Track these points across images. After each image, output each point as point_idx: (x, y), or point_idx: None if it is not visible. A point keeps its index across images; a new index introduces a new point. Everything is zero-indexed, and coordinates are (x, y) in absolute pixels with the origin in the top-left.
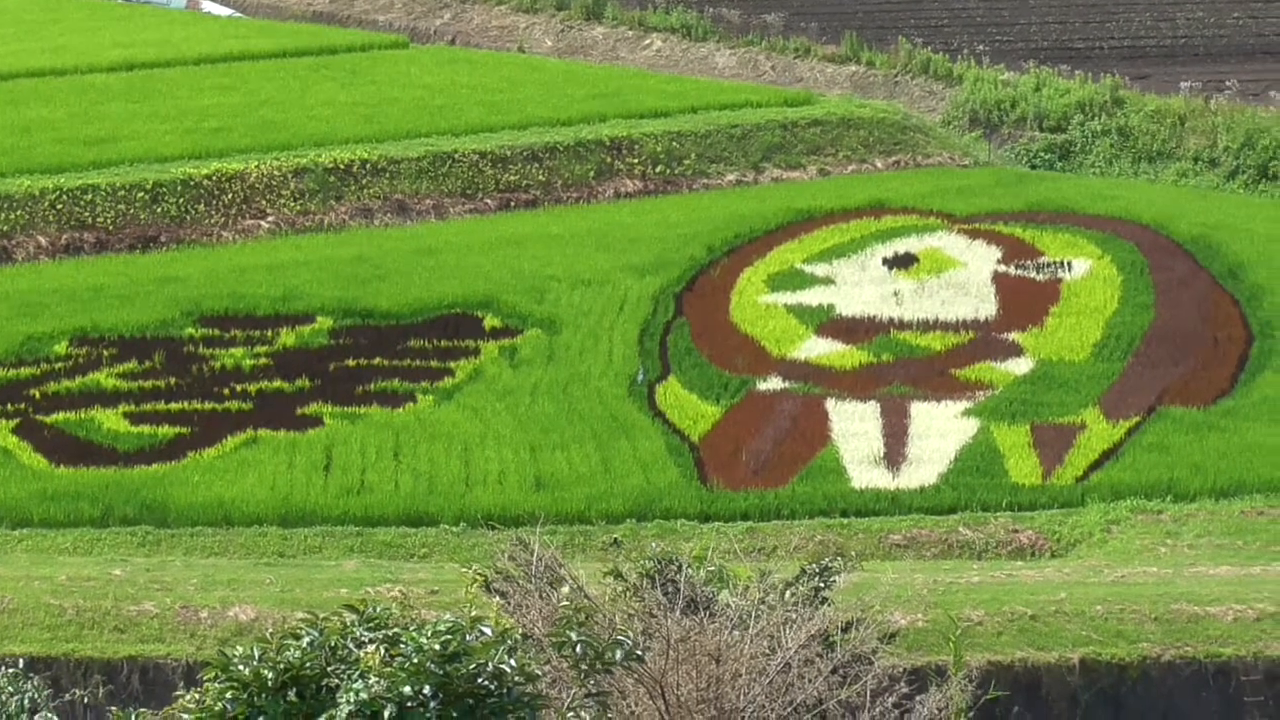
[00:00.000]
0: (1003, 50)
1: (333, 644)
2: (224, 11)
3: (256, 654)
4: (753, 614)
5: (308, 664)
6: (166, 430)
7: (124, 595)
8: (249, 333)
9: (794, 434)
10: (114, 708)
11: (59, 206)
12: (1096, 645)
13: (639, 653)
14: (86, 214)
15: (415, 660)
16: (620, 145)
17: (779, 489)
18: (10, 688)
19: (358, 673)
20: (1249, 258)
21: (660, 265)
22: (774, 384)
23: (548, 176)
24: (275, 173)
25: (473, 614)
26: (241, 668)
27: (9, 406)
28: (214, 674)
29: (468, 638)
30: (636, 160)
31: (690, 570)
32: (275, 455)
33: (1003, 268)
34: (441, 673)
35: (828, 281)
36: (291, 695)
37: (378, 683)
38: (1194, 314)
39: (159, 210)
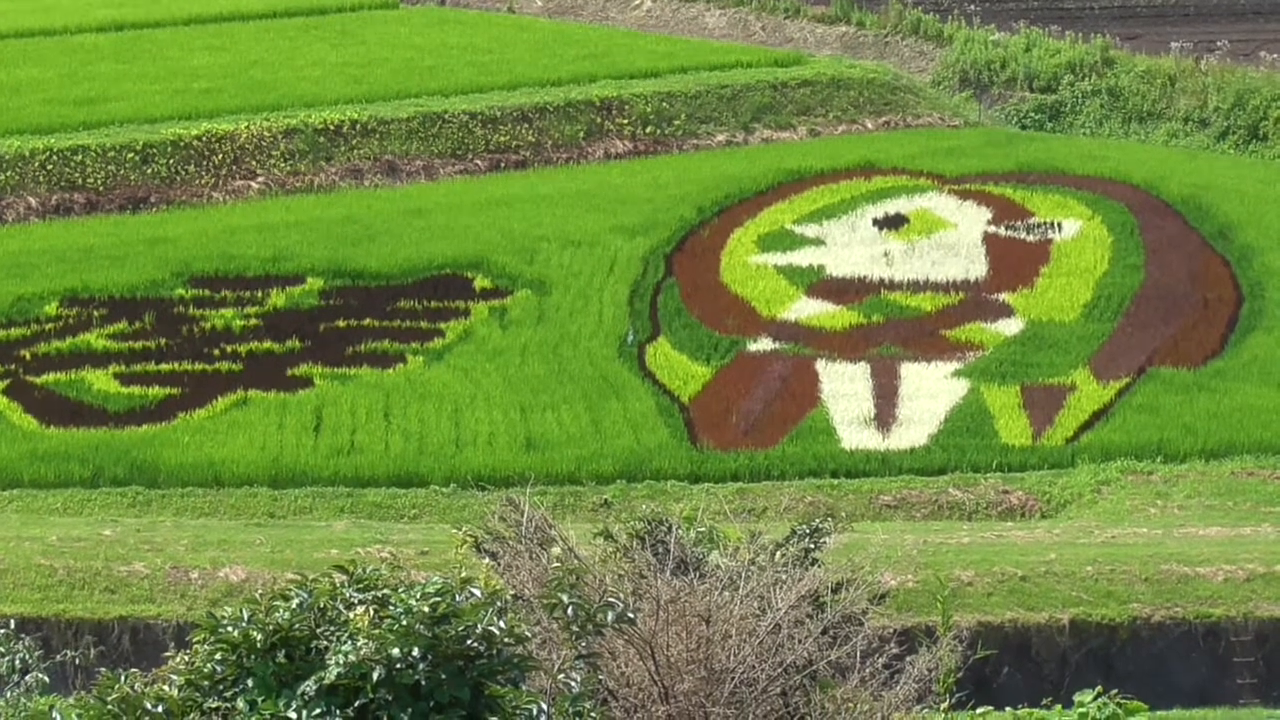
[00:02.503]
0: (993, 10)
1: (322, 605)
2: None
3: (245, 615)
4: (743, 575)
5: (296, 625)
6: (157, 391)
7: (114, 556)
8: (239, 293)
9: (784, 395)
10: (104, 668)
11: (49, 167)
12: (1086, 606)
13: (630, 614)
14: (76, 175)
15: (404, 622)
16: (610, 106)
17: (769, 450)
18: (1, 648)
19: (346, 634)
20: (1239, 218)
21: (650, 226)
22: (764, 345)
23: (538, 137)
24: (265, 133)
25: (462, 575)
26: (230, 629)
27: None
28: (203, 636)
29: (457, 599)
30: (626, 121)
31: (680, 531)
32: (265, 416)
33: (993, 228)
34: (430, 634)
35: (818, 242)
36: (280, 657)
37: (366, 644)
38: (1184, 275)
39: (149, 171)
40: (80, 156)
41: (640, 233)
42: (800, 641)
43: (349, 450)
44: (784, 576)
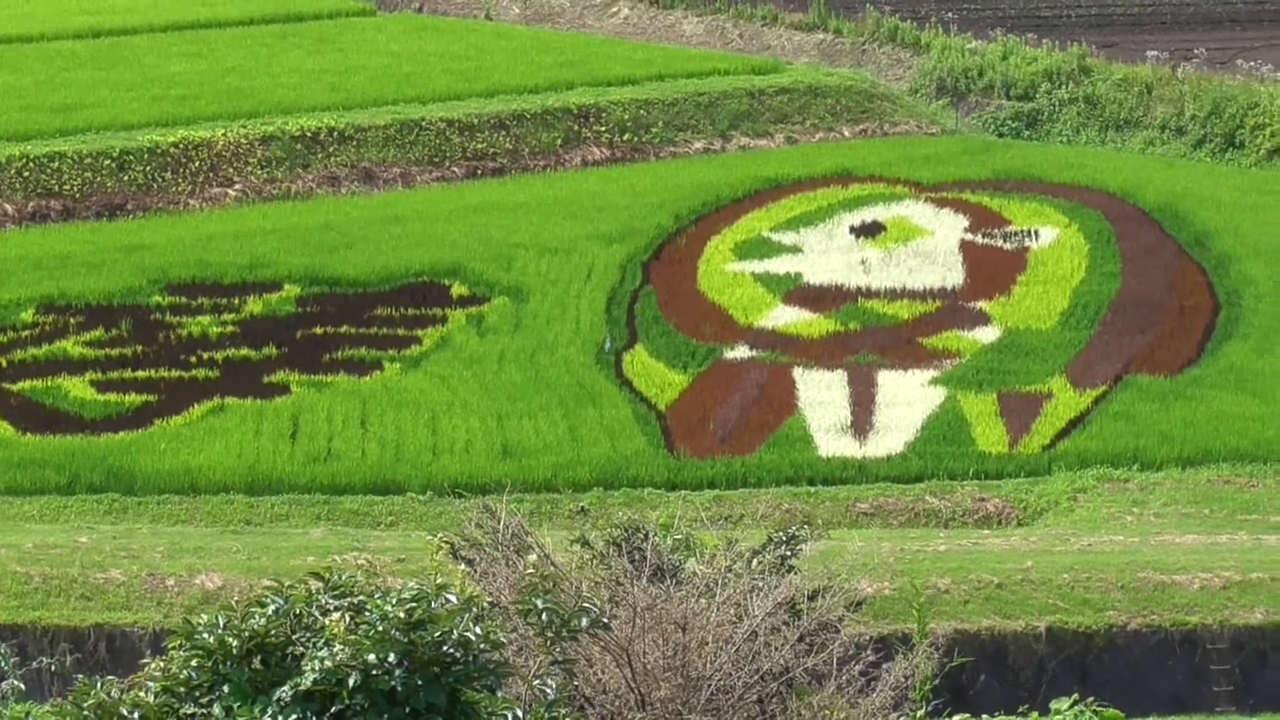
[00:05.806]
0: (970, 18)
1: (298, 612)
2: None
3: (221, 622)
4: (719, 582)
5: (272, 632)
6: (133, 398)
7: (91, 563)
8: (216, 301)
9: (761, 402)
10: (81, 675)
11: (25, 174)
12: (1063, 613)
13: (604, 620)
14: (53, 181)
15: (380, 628)
16: (587, 113)
17: (746, 457)
18: None
19: (322, 641)
20: (1215, 226)
21: (627, 233)
22: (741, 352)
23: (515, 144)
24: (242, 141)
25: (438, 582)
26: (206, 636)
27: None
28: (179, 642)
29: (433, 605)
30: (604, 128)
31: (657, 538)
32: (242, 423)
33: (970, 236)
34: (406, 640)
35: (795, 250)
36: (256, 663)
37: (342, 651)
38: (1161, 282)
39: (126, 178)
40: (57, 163)
41: (617, 240)
42: (777, 649)
43: (325, 457)
44: (761, 584)
